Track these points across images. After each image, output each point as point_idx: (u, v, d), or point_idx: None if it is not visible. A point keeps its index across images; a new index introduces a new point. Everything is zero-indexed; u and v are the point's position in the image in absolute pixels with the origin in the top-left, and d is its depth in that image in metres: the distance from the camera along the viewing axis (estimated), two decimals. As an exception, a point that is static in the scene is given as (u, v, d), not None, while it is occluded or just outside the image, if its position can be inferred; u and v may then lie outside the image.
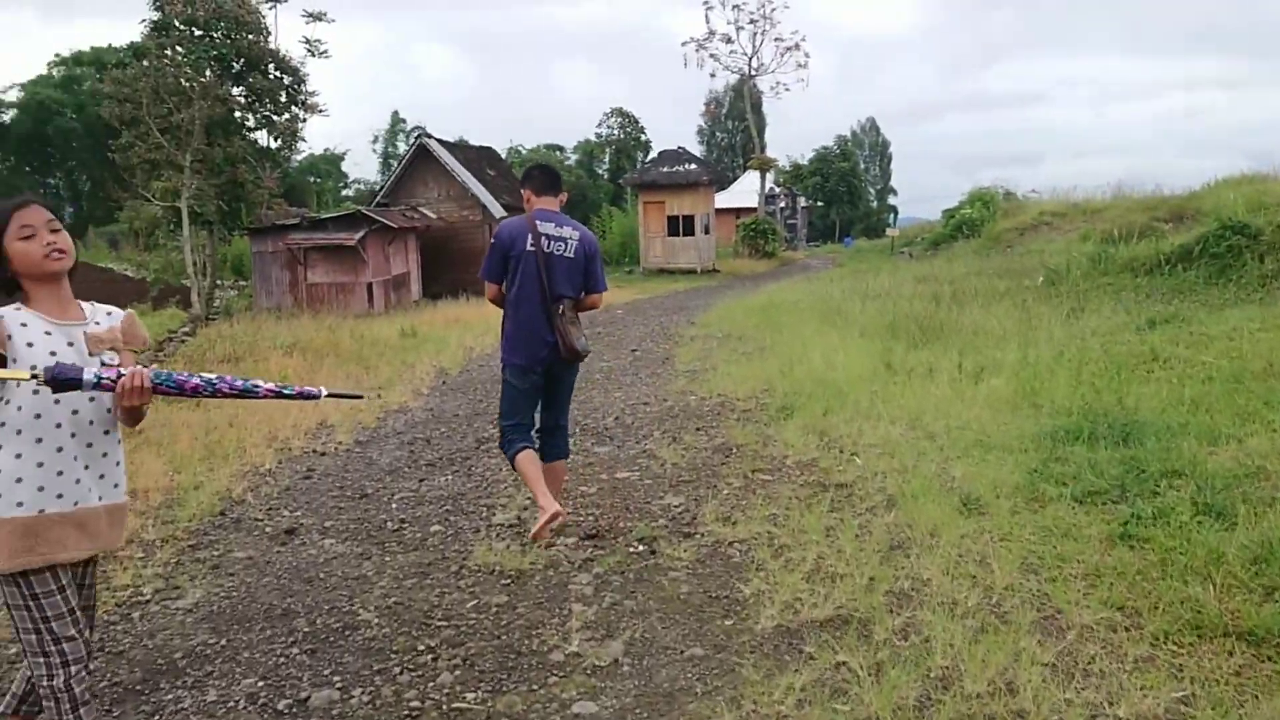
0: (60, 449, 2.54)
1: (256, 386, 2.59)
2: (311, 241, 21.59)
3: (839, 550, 4.53)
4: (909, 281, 18.20)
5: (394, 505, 5.88)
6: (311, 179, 55.91)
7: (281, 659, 3.75)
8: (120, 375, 2.44)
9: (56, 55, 58.45)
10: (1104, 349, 9.14)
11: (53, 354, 2.50)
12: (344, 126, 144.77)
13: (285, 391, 2.61)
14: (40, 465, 2.51)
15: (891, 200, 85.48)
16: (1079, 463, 5.56)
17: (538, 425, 5.22)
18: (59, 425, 2.53)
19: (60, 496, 2.54)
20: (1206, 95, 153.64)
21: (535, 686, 3.44)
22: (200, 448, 7.39)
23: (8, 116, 54.88)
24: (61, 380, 2.36)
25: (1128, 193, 24.28)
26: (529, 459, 4.93)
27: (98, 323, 2.68)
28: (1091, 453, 5.74)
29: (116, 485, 2.69)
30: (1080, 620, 3.67)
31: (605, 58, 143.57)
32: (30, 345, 2.49)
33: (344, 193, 59.75)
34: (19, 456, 2.49)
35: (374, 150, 70.97)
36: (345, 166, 65.85)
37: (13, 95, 54.35)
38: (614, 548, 4.88)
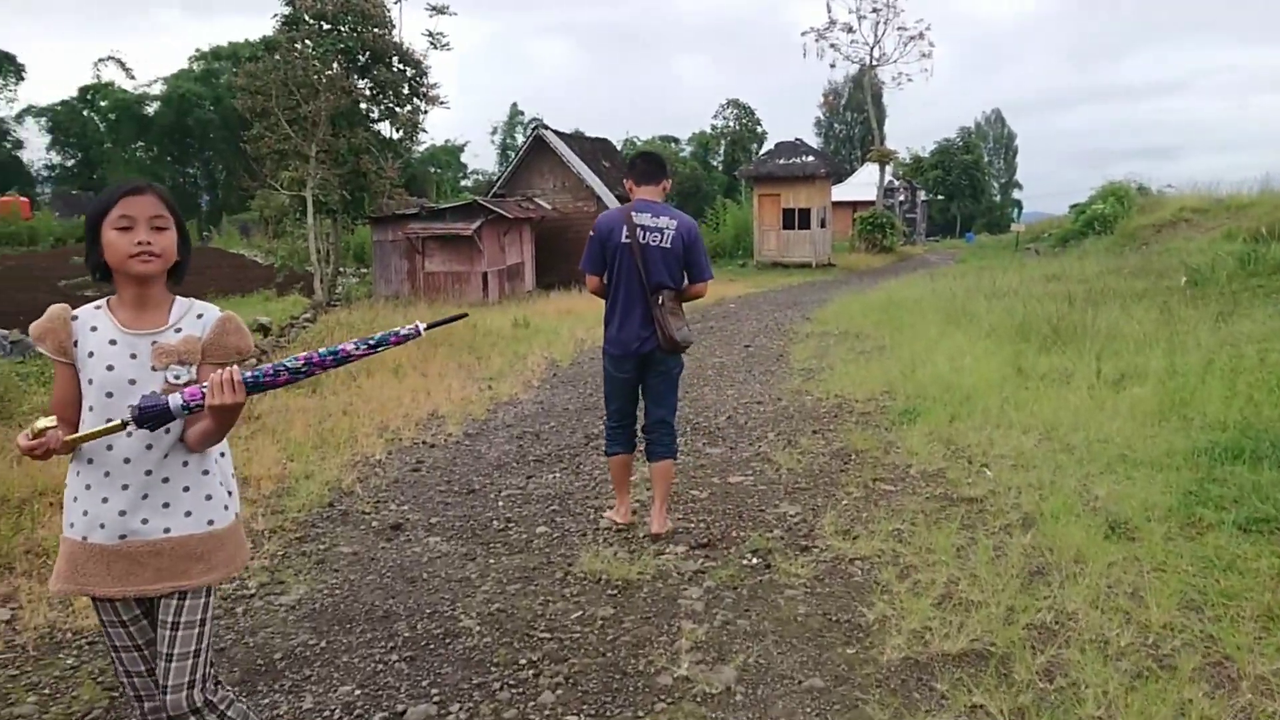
0: (108, 473, 2.27)
1: (348, 354, 2.23)
2: (429, 231, 21.87)
3: (972, 574, 4.18)
4: (1037, 279, 17.33)
5: (500, 503, 5.75)
6: (432, 169, 57.08)
7: (380, 665, 3.63)
8: (204, 390, 2.16)
9: (197, 50, 61.40)
10: (1260, 357, 8.39)
11: (110, 368, 2.28)
12: (464, 118, 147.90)
13: (379, 348, 2.25)
14: (88, 488, 2.29)
15: (1015, 194, 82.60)
16: (1240, 485, 5.05)
17: (642, 421, 5.13)
18: (110, 447, 2.27)
19: (103, 526, 2.27)
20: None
21: (641, 713, 3.22)
22: (314, 435, 7.43)
23: (151, 109, 57.82)
24: (150, 417, 2.12)
25: (1277, 188, 22.70)
26: (618, 465, 5.14)
27: (178, 330, 2.35)
28: (1254, 474, 5.21)
29: (189, 514, 2.34)
30: (1254, 670, 3.25)
31: (723, 49, 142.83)
32: (91, 355, 2.29)
33: (463, 183, 60.85)
34: (78, 475, 2.31)
35: (492, 141, 72.28)
36: (464, 157, 67.31)
37: (157, 89, 57.20)
38: (726, 559, 4.62)
